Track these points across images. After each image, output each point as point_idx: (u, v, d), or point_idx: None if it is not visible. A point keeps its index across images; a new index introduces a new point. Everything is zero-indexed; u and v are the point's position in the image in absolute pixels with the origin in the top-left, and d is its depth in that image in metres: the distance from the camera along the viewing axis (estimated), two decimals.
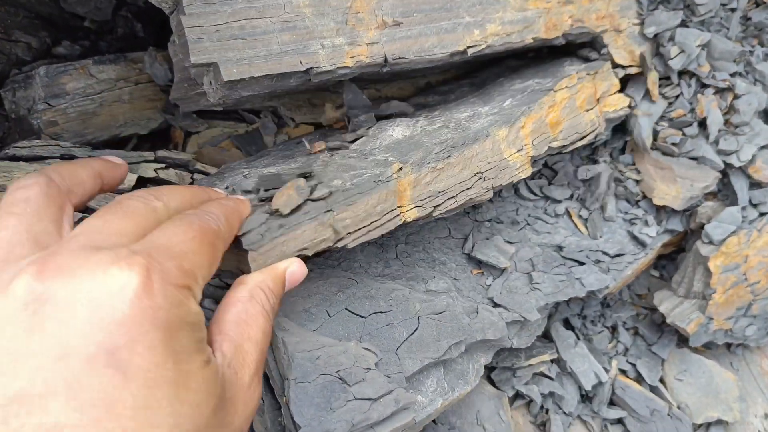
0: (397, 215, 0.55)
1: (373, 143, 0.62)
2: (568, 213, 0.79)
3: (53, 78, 0.72)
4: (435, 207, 0.57)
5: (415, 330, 0.58)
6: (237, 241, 0.49)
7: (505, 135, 0.61)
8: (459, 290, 0.67)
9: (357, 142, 0.63)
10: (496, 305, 0.66)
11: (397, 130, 0.63)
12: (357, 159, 0.59)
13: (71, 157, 0.68)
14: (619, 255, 0.80)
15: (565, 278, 0.72)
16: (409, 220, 0.56)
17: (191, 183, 0.70)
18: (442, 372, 0.59)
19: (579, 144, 0.70)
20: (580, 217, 0.79)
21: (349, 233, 0.53)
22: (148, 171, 0.68)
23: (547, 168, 0.81)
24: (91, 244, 0.32)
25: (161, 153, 0.70)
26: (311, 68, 0.60)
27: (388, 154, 0.59)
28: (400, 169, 0.55)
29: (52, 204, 0.36)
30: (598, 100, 0.72)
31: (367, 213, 0.53)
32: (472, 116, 0.64)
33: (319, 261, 0.62)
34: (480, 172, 0.59)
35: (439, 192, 0.56)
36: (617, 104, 0.76)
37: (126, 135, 0.76)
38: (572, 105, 0.67)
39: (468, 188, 0.59)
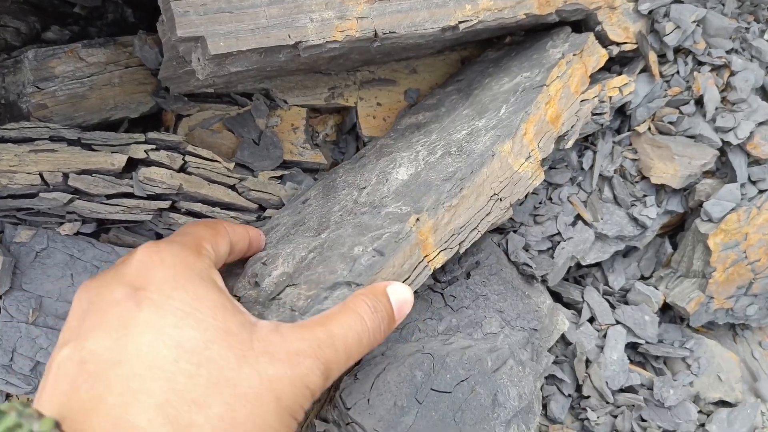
0: (425, 266, 0.54)
1: (381, 190, 0.61)
2: (569, 200, 0.78)
3: (42, 61, 0.72)
4: (460, 244, 0.56)
5: (496, 393, 0.59)
6: None
7: (510, 148, 0.59)
8: (507, 322, 0.68)
9: (365, 192, 0.62)
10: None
11: (402, 171, 0.62)
12: (370, 216, 0.57)
13: (60, 140, 0.67)
14: (618, 237, 0.79)
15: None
16: (438, 266, 0.54)
17: (183, 164, 0.69)
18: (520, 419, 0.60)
19: (579, 129, 0.69)
20: (580, 200, 0.78)
21: None
22: (139, 152, 0.68)
23: None
24: None
25: (152, 134, 0.70)
26: (300, 42, 0.60)
27: (399, 202, 0.57)
28: (418, 219, 0.54)
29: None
30: (590, 77, 0.71)
31: (396, 275, 0.52)
32: (470, 135, 0.63)
33: None
34: (495, 194, 0.58)
35: (461, 228, 0.55)
36: (622, 88, 0.75)
37: (117, 118, 0.75)
38: (567, 93, 0.66)
39: (487, 214, 0.58)
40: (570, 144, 0.68)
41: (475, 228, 0.57)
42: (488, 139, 0.60)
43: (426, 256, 0.53)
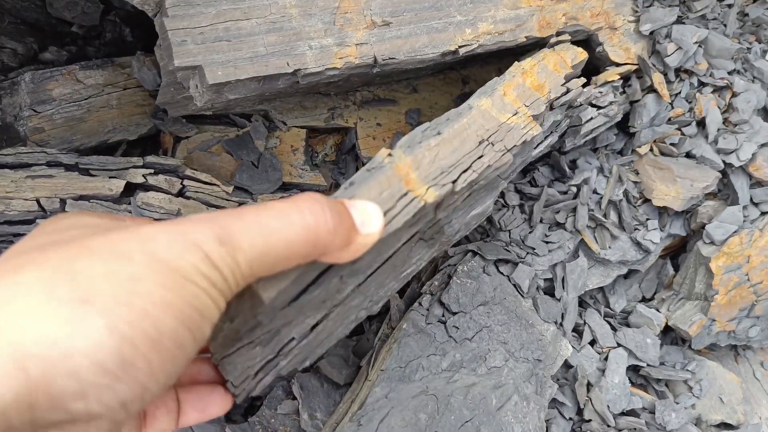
0: (413, 198, 0.52)
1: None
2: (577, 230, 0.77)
3: (39, 84, 0.71)
4: (453, 182, 0.54)
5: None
6: None
7: (491, 104, 0.59)
8: (512, 354, 0.67)
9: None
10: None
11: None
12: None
13: (57, 165, 0.67)
14: (621, 262, 0.78)
15: None
16: (430, 200, 0.52)
17: (181, 188, 0.69)
18: None
19: (576, 98, 0.68)
20: (589, 229, 0.77)
21: None
22: (137, 177, 0.67)
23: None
24: None
25: (150, 158, 0.69)
26: (299, 70, 0.59)
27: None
28: (390, 154, 0.53)
29: None
30: (571, 67, 0.70)
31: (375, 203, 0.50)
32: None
33: (383, 375, 0.61)
34: (484, 140, 0.56)
35: (450, 166, 0.53)
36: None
37: (114, 141, 0.74)
38: (545, 69, 0.66)
39: (480, 156, 0.55)
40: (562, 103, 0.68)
41: (468, 169, 0.55)
42: (465, 102, 0.61)
43: (411, 190, 0.51)
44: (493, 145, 0.57)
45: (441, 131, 0.54)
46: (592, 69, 0.81)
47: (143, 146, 0.78)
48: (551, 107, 0.65)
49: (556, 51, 0.70)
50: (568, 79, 0.68)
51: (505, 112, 0.59)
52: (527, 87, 0.63)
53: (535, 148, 0.63)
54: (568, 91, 0.66)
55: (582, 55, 0.71)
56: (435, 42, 0.65)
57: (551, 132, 0.67)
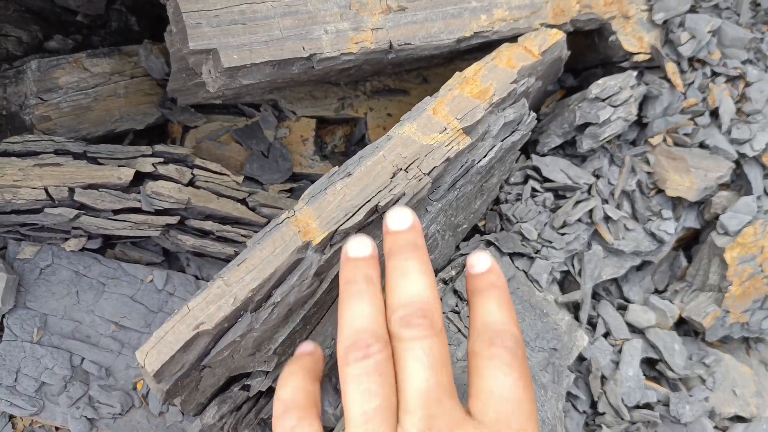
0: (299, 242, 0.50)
1: None
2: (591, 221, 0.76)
3: (45, 72, 0.70)
4: (349, 218, 0.51)
5: None
6: None
7: (414, 128, 0.56)
8: (527, 343, 0.65)
9: None
10: None
11: None
12: None
13: (65, 153, 0.66)
14: (635, 252, 0.77)
15: None
16: (316, 242, 0.51)
17: (192, 178, 0.68)
18: None
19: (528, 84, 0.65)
20: (603, 220, 0.76)
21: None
22: (146, 165, 0.66)
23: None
24: None
25: (159, 147, 0.68)
26: (314, 54, 0.58)
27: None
28: (293, 213, 0.51)
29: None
30: (540, 54, 0.67)
31: (265, 261, 0.49)
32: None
33: None
34: (400, 169, 0.54)
35: (355, 207, 0.51)
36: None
37: (122, 130, 0.73)
38: (494, 70, 0.62)
39: (393, 189, 0.53)
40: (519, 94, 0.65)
41: (369, 203, 0.53)
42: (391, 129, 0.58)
43: (311, 240, 0.50)
44: (407, 172, 0.54)
45: (351, 172, 0.53)
46: (604, 59, 0.81)
47: (150, 136, 0.76)
48: (501, 108, 0.62)
49: (519, 43, 0.68)
50: (528, 71, 0.66)
51: (431, 132, 0.56)
52: (465, 97, 0.59)
53: (484, 156, 0.61)
54: (516, 86, 0.63)
55: (555, 36, 0.68)
56: (450, 28, 0.64)
57: (513, 131, 0.64)
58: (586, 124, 0.74)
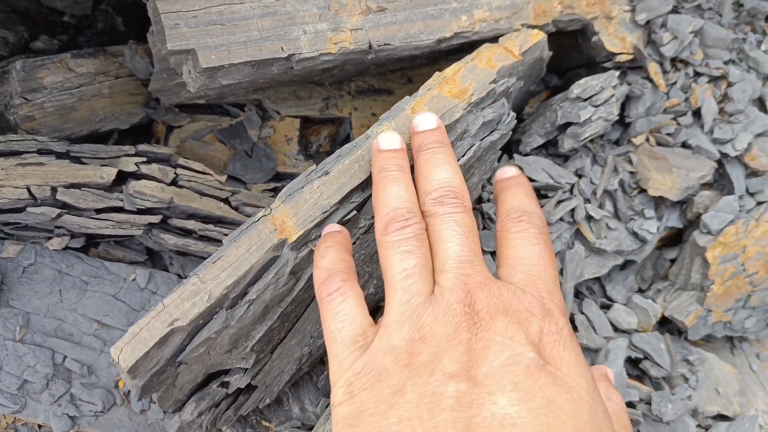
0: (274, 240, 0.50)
1: None
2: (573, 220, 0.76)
3: (30, 72, 0.70)
4: (330, 215, 0.52)
5: None
6: None
7: (393, 128, 0.56)
8: None
9: None
10: None
11: None
12: None
13: (48, 153, 0.66)
14: (617, 252, 0.78)
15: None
16: (292, 240, 0.51)
17: (174, 177, 0.68)
18: None
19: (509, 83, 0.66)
20: (585, 219, 0.76)
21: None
22: (129, 165, 0.66)
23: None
24: None
25: (142, 147, 0.69)
26: (293, 55, 0.59)
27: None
28: (269, 212, 0.52)
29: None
30: (521, 54, 0.68)
31: (241, 259, 0.49)
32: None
33: None
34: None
35: (332, 205, 0.52)
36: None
37: (106, 130, 0.74)
38: (473, 70, 0.63)
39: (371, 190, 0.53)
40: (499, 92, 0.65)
41: (349, 200, 0.54)
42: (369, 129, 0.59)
43: (287, 238, 0.51)
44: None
45: (329, 170, 0.53)
46: (587, 59, 0.81)
47: (135, 136, 0.77)
48: (480, 108, 0.62)
49: (499, 43, 0.68)
50: (508, 70, 0.66)
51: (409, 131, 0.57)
52: (444, 97, 0.60)
53: (462, 155, 0.61)
54: (495, 86, 0.62)
55: (536, 37, 0.69)
56: (430, 28, 0.65)
57: (492, 130, 0.64)
58: (568, 124, 0.74)
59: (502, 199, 0.49)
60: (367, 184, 0.54)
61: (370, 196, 0.54)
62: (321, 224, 0.51)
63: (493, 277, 0.42)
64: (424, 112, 0.52)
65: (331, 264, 0.44)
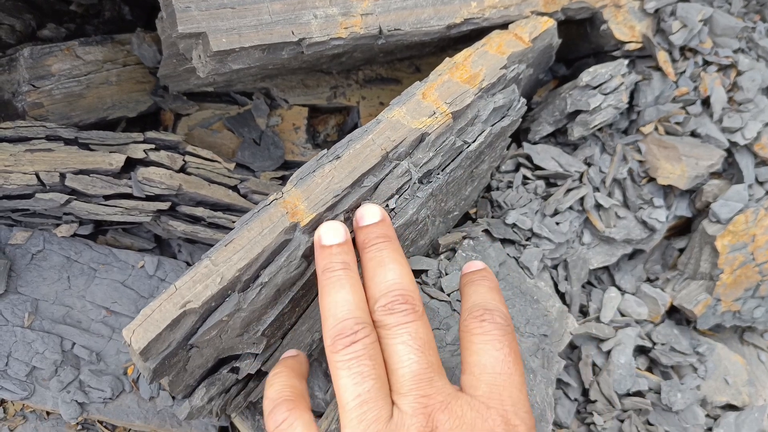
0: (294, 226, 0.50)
1: None
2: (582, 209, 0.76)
3: (38, 59, 0.70)
4: (342, 199, 0.52)
5: None
6: None
7: (403, 113, 0.57)
8: (517, 329, 0.66)
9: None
10: None
11: None
12: None
13: (57, 139, 0.66)
14: (626, 240, 0.77)
15: None
16: (304, 223, 0.50)
17: (183, 164, 0.68)
18: None
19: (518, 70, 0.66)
20: (594, 208, 0.76)
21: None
22: (137, 152, 0.66)
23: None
24: None
25: (150, 134, 0.68)
26: (303, 39, 0.58)
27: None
28: (281, 195, 0.52)
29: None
30: (531, 41, 0.67)
31: (253, 242, 0.49)
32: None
33: None
34: (389, 151, 0.54)
35: (344, 189, 0.52)
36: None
37: (114, 118, 0.73)
38: (484, 56, 0.63)
39: (383, 175, 0.54)
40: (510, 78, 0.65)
41: (360, 184, 0.53)
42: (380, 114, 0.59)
43: (299, 222, 0.50)
44: (395, 153, 0.55)
45: (340, 155, 0.53)
46: (595, 48, 0.81)
47: (143, 124, 0.77)
48: (491, 93, 0.62)
49: (509, 30, 0.68)
50: (518, 57, 0.66)
51: (420, 116, 0.57)
52: (455, 82, 0.60)
53: (473, 141, 0.61)
54: (506, 72, 0.63)
55: (546, 24, 0.69)
56: (440, 14, 0.64)
57: (503, 116, 0.64)
58: (577, 113, 0.74)
59: (466, 294, 0.48)
60: (378, 168, 0.54)
61: (381, 181, 0.54)
62: (333, 208, 0.51)
63: (455, 389, 0.41)
64: (367, 204, 0.50)
65: (278, 393, 0.44)
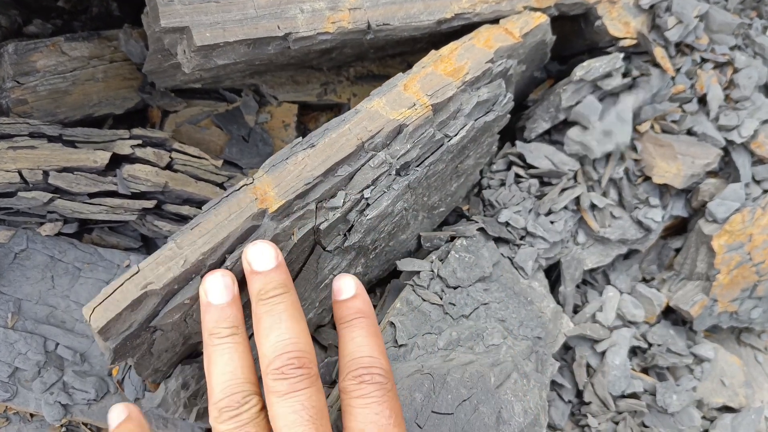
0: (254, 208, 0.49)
1: None
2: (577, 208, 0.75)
3: (23, 55, 0.69)
4: (313, 187, 0.52)
5: (500, 410, 0.56)
6: None
7: (383, 103, 0.56)
8: (510, 331, 0.65)
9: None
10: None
11: None
12: None
13: (41, 136, 0.65)
14: (621, 241, 0.76)
15: None
16: (272, 209, 0.49)
17: (169, 161, 0.67)
18: None
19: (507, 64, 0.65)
20: (589, 207, 0.75)
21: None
22: (124, 148, 0.65)
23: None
24: None
25: (136, 131, 0.67)
26: (289, 33, 0.57)
27: None
28: (251, 181, 0.51)
29: None
30: (521, 36, 0.66)
31: (219, 226, 0.48)
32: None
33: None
34: (364, 141, 0.53)
35: (316, 177, 0.51)
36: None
37: (100, 115, 0.72)
38: (471, 49, 0.63)
39: (358, 165, 0.53)
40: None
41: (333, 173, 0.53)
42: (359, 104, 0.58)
43: (267, 208, 0.50)
44: (372, 143, 0.54)
45: (315, 143, 0.52)
46: (590, 44, 0.80)
47: (130, 121, 0.75)
48: (476, 87, 0.62)
49: (499, 25, 0.67)
50: (507, 52, 0.65)
51: (400, 108, 0.56)
52: (438, 75, 0.59)
53: (455, 134, 0.60)
54: (492, 65, 0.62)
55: (538, 19, 0.68)
56: (431, 9, 0.63)
57: (488, 111, 0.63)
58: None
59: (343, 341, 0.46)
60: (353, 158, 0.53)
61: (356, 171, 0.53)
62: (303, 195, 0.50)
63: None
64: (260, 243, 0.47)
65: None
